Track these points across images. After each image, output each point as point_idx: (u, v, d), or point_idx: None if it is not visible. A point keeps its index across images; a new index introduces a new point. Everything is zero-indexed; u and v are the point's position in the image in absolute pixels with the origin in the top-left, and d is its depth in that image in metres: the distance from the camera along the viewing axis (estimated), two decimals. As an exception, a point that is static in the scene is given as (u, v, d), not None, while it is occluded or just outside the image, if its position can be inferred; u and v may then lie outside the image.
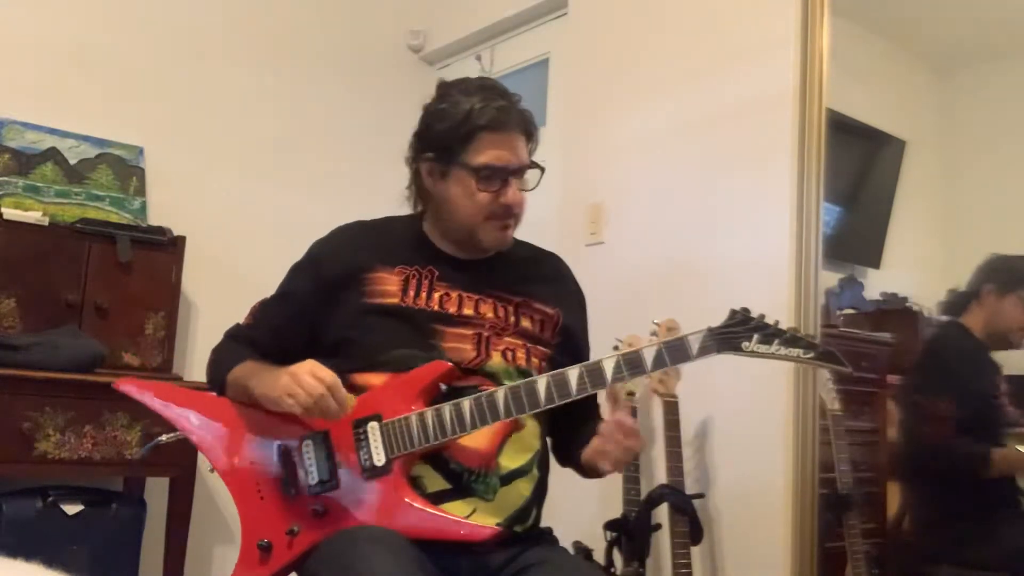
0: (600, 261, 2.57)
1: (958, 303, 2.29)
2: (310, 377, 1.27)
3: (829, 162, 2.10)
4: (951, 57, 2.57)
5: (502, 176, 1.40)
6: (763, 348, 1.25)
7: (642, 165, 2.54)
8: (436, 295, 1.42)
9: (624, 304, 2.26)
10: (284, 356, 1.48)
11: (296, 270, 1.52)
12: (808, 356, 1.25)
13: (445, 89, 1.45)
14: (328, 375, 1.28)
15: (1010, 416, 2.18)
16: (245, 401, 1.41)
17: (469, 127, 1.37)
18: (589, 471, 1.45)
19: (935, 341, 2.39)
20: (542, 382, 1.30)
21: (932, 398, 2.19)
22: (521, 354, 1.42)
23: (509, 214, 1.42)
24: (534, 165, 1.44)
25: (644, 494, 2.06)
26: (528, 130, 1.43)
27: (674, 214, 2.42)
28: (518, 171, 1.41)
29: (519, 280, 1.49)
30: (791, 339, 1.25)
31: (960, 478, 2.18)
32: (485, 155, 1.38)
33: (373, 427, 1.33)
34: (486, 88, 1.42)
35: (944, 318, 2.33)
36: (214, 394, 1.48)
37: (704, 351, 1.26)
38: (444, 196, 1.44)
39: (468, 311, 1.42)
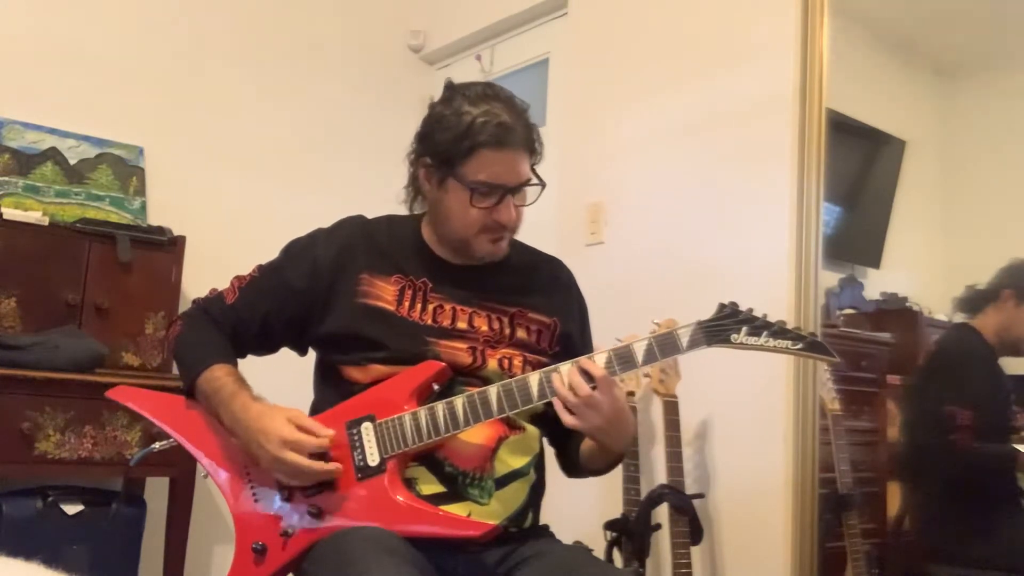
0: (600, 261, 2.56)
1: (975, 301, 2.27)
2: (293, 455, 1.28)
3: (829, 162, 2.10)
4: (951, 57, 2.56)
5: (498, 193, 1.37)
6: (752, 340, 1.25)
7: (642, 165, 2.54)
8: (430, 307, 1.41)
9: (624, 304, 2.25)
10: (267, 345, 1.49)
11: (292, 256, 1.48)
12: (797, 347, 1.25)
13: (451, 93, 1.41)
14: (309, 441, 1.29)
15: (1019, 421, 2.18)
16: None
17: (470, 142, 1.34)
18: (596, 458, 1.43)
19: (951, 346, 2.38)
20: (534, 378, 1.30)
21: (952, 405, 2.17)
22: (518, 362, 1.41)
23: (503, 229, 1.40)
24: (535, 181, 1.41)
25: (644, 494, 2.06)
26: (531, 147, 1.40)
27: (674, 214, 2.42)
28: (515, 189, 1.39)
29: (514, 290, 1.47)
30: (779, 331, 1.25)
31: (988, 479, 2.18)
32: (483, 172, 1.35)
33: (367, 428, 1.33)
34: (492, 98, 1.38)
35: (958, 318, 2.32)
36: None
37: (694, 344, 1.26)
38: (440, 203, 1.42)
39: (462, 324, 1.41)
